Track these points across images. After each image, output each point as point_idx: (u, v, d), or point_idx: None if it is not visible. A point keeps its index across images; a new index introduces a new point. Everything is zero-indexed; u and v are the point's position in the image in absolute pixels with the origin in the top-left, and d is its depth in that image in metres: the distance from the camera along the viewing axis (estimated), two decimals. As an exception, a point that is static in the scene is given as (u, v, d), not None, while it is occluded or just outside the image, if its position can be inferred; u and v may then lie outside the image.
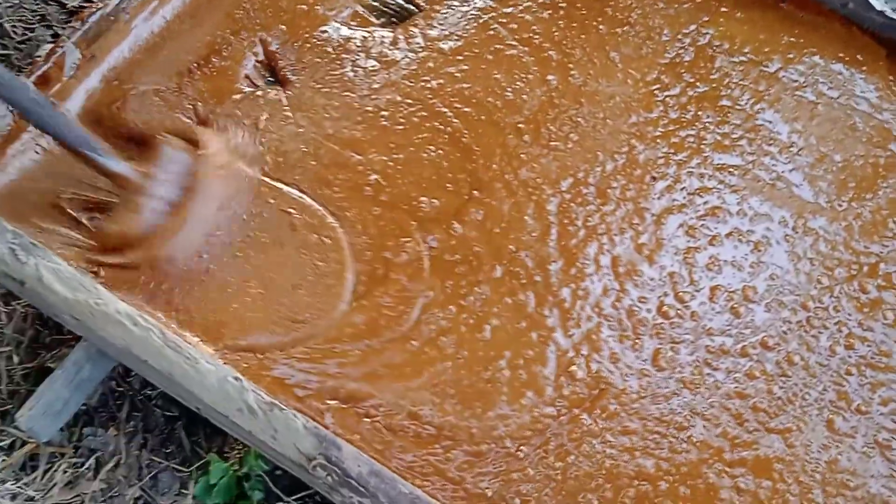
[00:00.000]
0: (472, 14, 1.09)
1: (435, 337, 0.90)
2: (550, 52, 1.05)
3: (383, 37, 1.07)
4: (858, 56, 1.05)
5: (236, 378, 0.78)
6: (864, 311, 0.93)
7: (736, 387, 0.90)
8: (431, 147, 0.99)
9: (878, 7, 1.02)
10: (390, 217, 0.96)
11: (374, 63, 1.05)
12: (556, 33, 1.07)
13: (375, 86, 1.03)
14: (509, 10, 1.09)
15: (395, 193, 0.97)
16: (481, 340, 0.91)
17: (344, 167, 0.98)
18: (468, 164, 0.99)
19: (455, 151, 0.99)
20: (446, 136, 1.00)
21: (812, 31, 1.07)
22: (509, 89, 1.03)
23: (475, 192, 0.97)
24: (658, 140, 1.01)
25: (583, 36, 1.06)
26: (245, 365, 0.86)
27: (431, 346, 0.90)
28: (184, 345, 0.79)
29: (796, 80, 1.04)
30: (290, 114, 1.01)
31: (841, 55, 1.05)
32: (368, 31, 1.07)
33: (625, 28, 1.07)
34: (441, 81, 1.03)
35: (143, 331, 0.80)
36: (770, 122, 1.02)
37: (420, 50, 1.06)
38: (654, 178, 0.99)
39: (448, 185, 0.98)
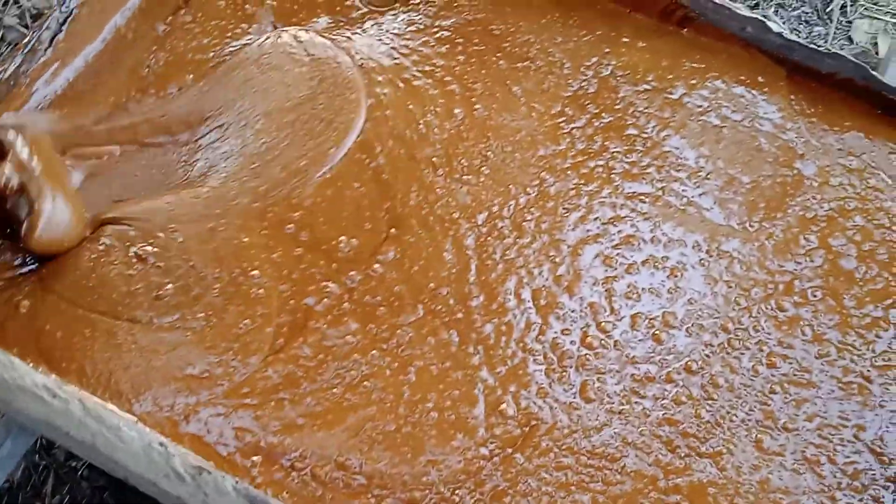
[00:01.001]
0: (377, 40, 1.27)
1: (357, 383, 1.04)
2: (453, 86, 1.24)
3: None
4: (760, 78, 1.26)
5: (161, 444, 0.88)
6: (783, 329, 1.12)
7: (664, 413, 1.07)
8: (356, 184, 1.15)
9: (776, 29, 1.24)
10: (311, 259, 1.10)
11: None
12: (456, 68, 1.25)
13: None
14: (406, 42, 1.27)
15: (316, 233, 1.12)
16: (406, 383, 1.05)
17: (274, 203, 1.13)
18: (387, 200, 1.15)
19: (375, 189, 1.15)
20: (370, 173, 1.16)
21: (713, 55, 1.28)
22: (421, 122, 1.20)
23: (393, 229, 1.13)
24: (568, 171, 1.20)
25: (483, 71, 1.25)
26: (161, 426, 0.98)
27: (354, 393, 1.03)
28: (105, 413, 0.89)
29: (700, 105, 1.25)
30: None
31: (742, 78, 1.27)
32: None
33: (525, 63, 1.27)
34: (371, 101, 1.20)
35: (63, 402, 0.89)
36: (677, 148, 1.22)
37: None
38: (566, 210, 1.17)
39: (367, 223, 1.13)
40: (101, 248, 1.08)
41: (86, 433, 0.88)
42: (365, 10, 1.33)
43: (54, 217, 1.03)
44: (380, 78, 1.24)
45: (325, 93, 1.20)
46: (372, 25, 1.31)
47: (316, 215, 1.13)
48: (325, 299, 1.09)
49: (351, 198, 1.15)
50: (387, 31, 1.30)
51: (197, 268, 1.08)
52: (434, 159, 1.19)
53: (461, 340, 1.08)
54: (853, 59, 1.19)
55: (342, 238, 1.12)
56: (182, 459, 0.88)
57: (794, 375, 1.10)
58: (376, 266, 1.11)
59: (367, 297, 1.09)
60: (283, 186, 1.14)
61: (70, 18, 1.18)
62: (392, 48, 1.28)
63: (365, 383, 1.04)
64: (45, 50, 1.17)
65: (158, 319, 1.05)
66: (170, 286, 1.06)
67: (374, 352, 1.06)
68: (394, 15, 1.32)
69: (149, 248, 1.08)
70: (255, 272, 1.09)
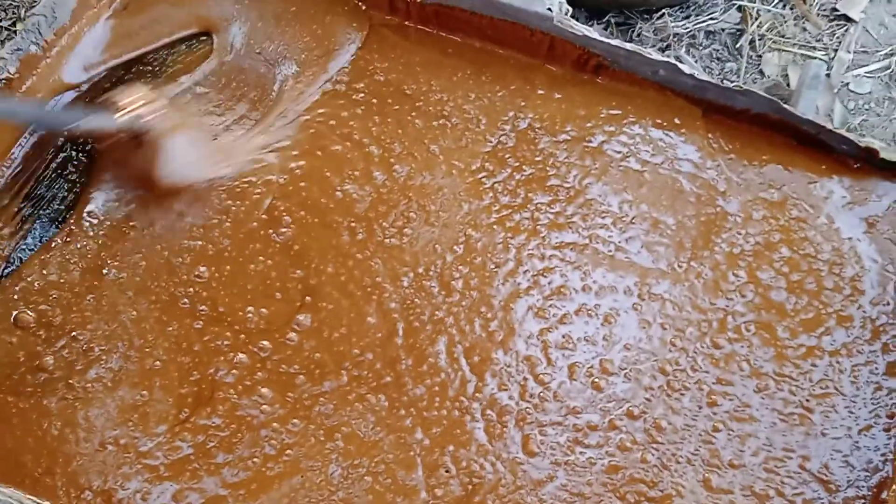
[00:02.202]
0: (285, 116, 1.45)
1: (278, 452, 1.19)
2: (371, 148, 1.41)
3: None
4: (676, 119, 1.47)
5: None
6: (721, 366, 1.30)
7: (610, 461, 1.22)
8: (261, 258, 1.32)
9: (688, 70, 1.45)
10: (215, 332, 1.26)
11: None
12: (373, 129, 1.43)
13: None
14: (322, 109, 1.45)
15: (217, 306, 1.28)
16: (334, 451, 1.19)
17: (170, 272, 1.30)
18: (299, 270, 1.31)
19: (284, 260, 1.32)
20: (278, 246, 1.33)
21: (629, 101, 1.48)
22: (339, 188, 1.37)
23: (308, 298, 1.29)
24: (493, 226, 1.38)
25: (399, 131, 1.43)
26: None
27: (276, 462, 1.18)
28: None
29: (620, 152, 1.45)
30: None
31: (659, 121, 1.47)
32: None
33: (441, 121, 1.45)
34: (284, 178, 1.38)
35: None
36: (600, 195, 1.41)
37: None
38: (495, 265, 1.36)
39: (277, 293, 1.29)
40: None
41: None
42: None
43: (179, 153, 1.28)
44: (294, 152, 1.42)
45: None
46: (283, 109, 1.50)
47: (216, 290, 1.30)
48: (235, 370, 1.24)
49: (256, 272, 1.32)
50: (297, 104, 1.49)
51: (80, 339, 1.25)
52: (353, 224, 1.36)
53: (390, 404, 1.23)
54: (764, 95, 1.40)
55: (249, 309, 1.28)
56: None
57: (736, 411, 1.27)
58: (291, 335, 1.27)
59: (283, 366, 1.25)
60: (168, 266, 1.32)
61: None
62: (306, 119, 1.46)
63: (288, 451, 1.19)
64: None
65: (43, 390, 1.22)
66: (50, 358, 1.24)
67: (294, 420, 1.21)
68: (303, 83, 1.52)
69: (28, 316, 1.26)
70: (148, 346, 1.25)
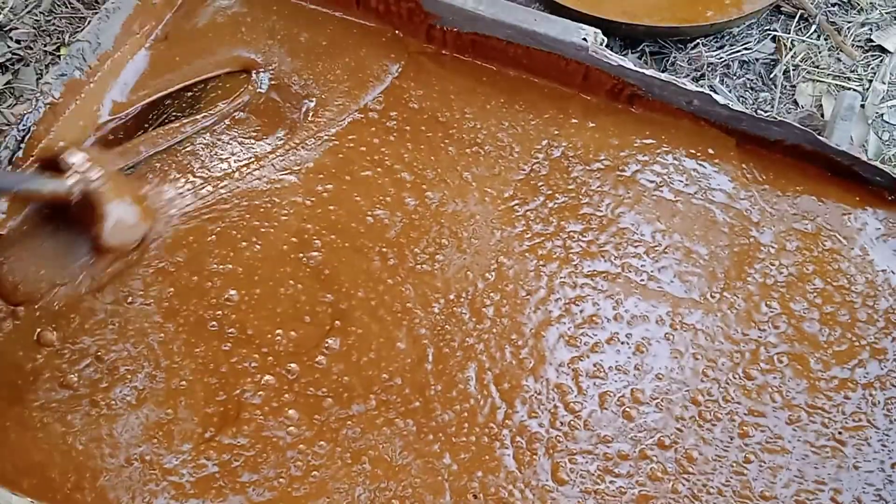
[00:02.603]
0: (313, 140, 1.53)
1: (304, 474, 1.25)
2: (403, 174, 1.49)
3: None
4: (710, 150, 1.54)
5: None
6: (753, 397, 1.36)
7: (641, 490, 1.28)
8: (291, 281, 1.40)
9: (722, 101, 1.52)
10: (243, 354, 1.33)
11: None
12: (405, 155, 1.50)
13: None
14: (352, 136, 1.53)
15: (246, 329, 1.35)
16: (361, 473, 1.26)
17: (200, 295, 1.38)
18: (329, 294, 1.38)
19: (314, 284, 1.39)
20: (308, 270, 1.41)
21: (663, 130, 1.56)
22: (370, 213, 1.45)
23: (337, 322, 1.36)
24: (526, 254, 1.46)
25: (432, 158, 1.51)
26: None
27: (302, 483, 1.24)
28: None
29: (653, 181, 1.53)
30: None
31: (693, 151, 1.54)
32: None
33: (474, 148, 1.53)
34: (311, 200, 1.47)
35: None
36: (633, 224, 1.49)
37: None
38: (526, 293, 1.44)
39: (306, 317, 1.36)
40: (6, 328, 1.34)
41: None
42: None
43: (120, 217, 1.33)
44: (321, 175, 1.51)
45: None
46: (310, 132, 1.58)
47: (246, 313, 1.37)
48: (262, 392, 1.31)
49: (286, 295, 1.39)
50: (326, 130, 1.58)
51: (105, 360, 1.33)
52: (384, 249, 1.43)
53: (419, 429, 1.30)
54: (799, 126, 1.48)
55: (279, 332, 1.36)
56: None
57: (768, 443, 1.32)
58: (320, 358, 1.34)
59: (311, 388, 1.31)
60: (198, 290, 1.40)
61: (28, 136, 1.46)
62: (335, 144, 1.55)
63: (314, 473, 1.25)
64: (4, 168, 1.42)
65: (67, 406, 1.30)
66: (74, 376, 1.31)
67: (321, 442, 1.28)
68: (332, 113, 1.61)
69: (51, 335, 1.34)
70: (174, 366, 1.33)
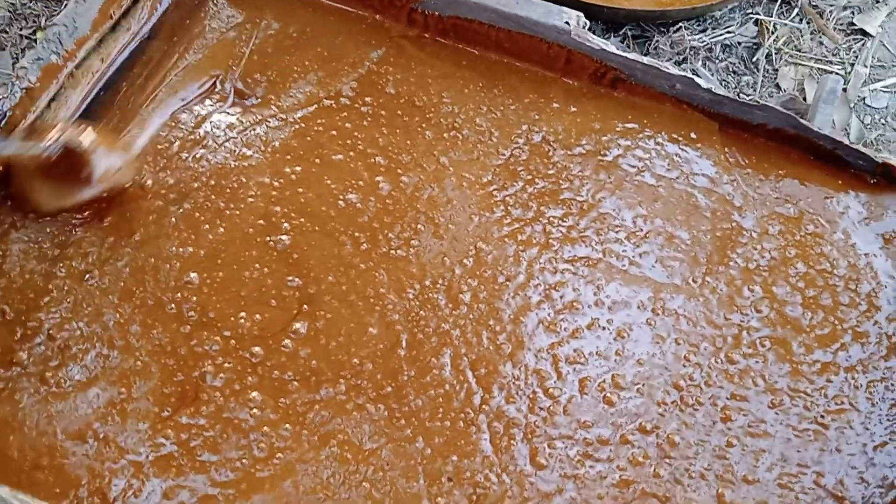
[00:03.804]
0: (277, 120, 1.67)
1: (268, 455, 1.37)
2: (377, 159, 1.62)
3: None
4: (692, 134, 1.68)
5: None
6: (735, 381, 1.49)
7: (622, 475, 1.39)
8: (257, 265, 1.52)
9: (705, 84, 1.65)
10: (203, 336, 1.45)
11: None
12: (379, 139, 1.64)
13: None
14: (321, 119, 1.67)
15: (207, 311, 1.47)
16: (330, 456, 1.37)
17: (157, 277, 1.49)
18: (297, 278, 1.50)
19: (282, 268, 1.51)
20: (275, 254, 1.53)
21: (645, 115, 1.69)
22: (342, 197, 1.58)
23: (305, 306, 1.48)
24: (505, 239, 1.59)
25: (408, 142, 1.65)
26: None
27: (267, 464, 1.36)
28: None
29: (635, 166, 1.67)
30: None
31: (675, 135, 1.68)
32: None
33: (451, 133, 1.66)
34: (279, 181, 1.59)
35: None
36: (614, 209, 1.63)
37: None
38: (505, 278, 1.59)
39: (272, 300, 1.48)
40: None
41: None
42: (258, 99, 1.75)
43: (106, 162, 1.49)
44: (288, 156, 1.64)
45: None
46: (273, 111, 1.72)
47: (207, 296, 1.49)
48: (223, 374, 1.42)
49: (251, 279, 1.51)
50: (288, 113, 1.71)
51: (57, 339, 1.44)
52: (356, 234, 1.56)
53: (390, 415, 1.41)
54: (782, 110, 1.62)
55: (242, 315, 1.47)
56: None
57: (750, 427, 1.45)
58: (286, 342, 1.46)
59: (276, 372, 1.43)
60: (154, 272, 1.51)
61: (3, 121, 1.56)
62: (301, 127, 1.68)
63: (279, 455, 1.37)
64: None
65: (15, 384, 1.41)
66: (24, 354, 1.43)
67: (286, 425, 1.39)
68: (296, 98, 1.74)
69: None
70: (129, 347, 1.44)
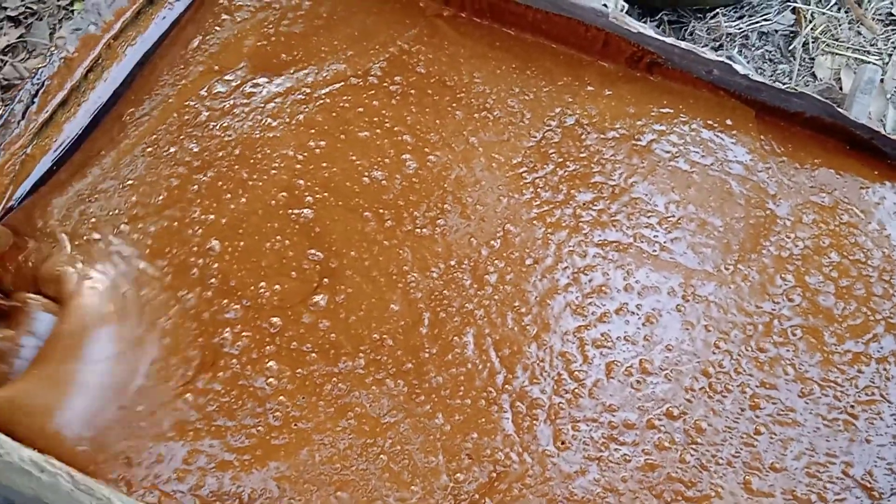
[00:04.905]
0: (301, 95, 1.81)
1: (283, 424, 1.49)
2: (405, 137, 1.75)
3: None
4: (728, 121, 1.80)
5: None
6: (765, 369, 1.60)
7: (647, 459, 1.51)
8: (279, 237, 1.65)
9: (742, 71, 1.76)
10: (223, 304, 1.58)
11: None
12: (408, 118, 1.77)
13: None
14: (347, 96, 1.81)
15: (228, 279, 1.60)
16: (347, 429, 1.49)
17: (180, 241, 1.63)
18: (318, 251, 1.63)
19: (303, 240, 1.64)
20: (297, 227, 1.66)
21: (681, 100, 1.82)
22: (366, 174, 1.72)
23: (325, 279, 1.61)
24: (534, 222, 1.72)
25: (437, 121, 1.77)
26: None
27: (282, 433, 1.48)
28: (95, 486, 1.29)
29: (669, 151, 1.79)
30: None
31: (711, 122, 1.80)
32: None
33: (482, 114, 1.79)
34: (303, 155, 1.73)
35: (51, 476, 1.28)
36: (646, 194, 1.75)
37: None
38: (533, 260, 1.74)
39: (293, 272, 1.61)
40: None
41: (76, 506, 1.27)
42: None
43: None
44: (312, 130, 1.78)
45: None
46: (300, 87, 1.86)
47: (229, 264, 1.63)
48: (240, 342, 1.55)
49: (272, 250, 1.64)
50: (314, 89, 1.85)
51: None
52: (381, 211, 1.69)
53: (410, 390, 1.53)
54: (819, 98, 1.73)
55: (262, 284, 1.61)
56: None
57: (779, 415, 1.56)
58: (305, 314, 1.59)
59: (295, 343, 1.56)
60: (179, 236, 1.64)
61: (41, 90, 1.72)
62: (326, 103, 1.82)
63: (295, 424, 1.49)
64: (18, 122, 1.70)
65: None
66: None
67: (302, 396, 1.52)
68: (322, 74, 1.88)
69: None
70: (161, 306, 1.57)
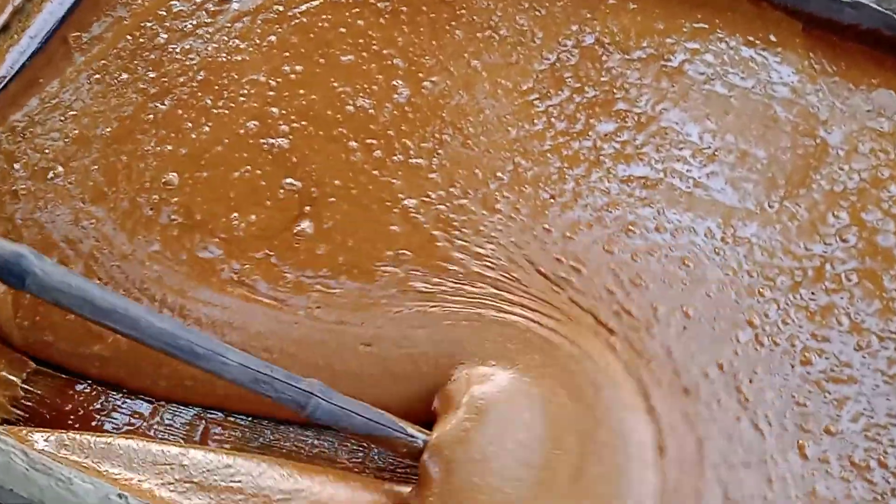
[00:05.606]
0: (273, 14, 1.73)
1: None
2: (395, 61, 1.65)
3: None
4: (772, 36, 1.69)
5: (119, 495, 1.21)
6: (816, 319, 1.49)
7: None
8: (248, 167, 1.57)
9: None
10: (196, 239, 1.52)
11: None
12: (399, 39, 1.67)
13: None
14: (327, 15, 1.72)
15: (193, 213, 1.54)
16: None
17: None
18: (295, 180, 1.55)
19: (277, 170, 1.56)
20: (270, 157, 1.58)
21: (717, 14, 1.71)
22: (350, 102, 1.62)
23: (307, 207, 1.52)
24: (547, 154, 1.62)
25: (433, 42, 1.67)
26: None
27: None
28: (53, 465, 1.21)
29: (703, 73, 1.68)
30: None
31: (751, 38, 1.69)
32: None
33: (486, 33, 1.69)
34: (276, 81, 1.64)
35: (3, 455, 1.21)
36: (677, 123, 1.63)
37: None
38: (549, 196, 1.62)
39: (267, 201, 1.54)
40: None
41: (32, 488, 1.20)
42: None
43: None
44: (286, 53, 1.68)
45: None
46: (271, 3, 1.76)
47: (190, 196, 1.55)
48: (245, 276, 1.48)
49: (240, 179, 1.57)
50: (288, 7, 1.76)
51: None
52: (368, 141, 1.59)
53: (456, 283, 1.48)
54: (877, 7, 1.60)
55: (234, 215, 1.53)
56: (143, 508, 1.20)
57: (833, 371, 1.46)
58: (295, 242, 1.52)
59: (309, 270, 1.50)
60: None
61: None
62: (302, 22, 1.72)
63: None
64: None
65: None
66: None
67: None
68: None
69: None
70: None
